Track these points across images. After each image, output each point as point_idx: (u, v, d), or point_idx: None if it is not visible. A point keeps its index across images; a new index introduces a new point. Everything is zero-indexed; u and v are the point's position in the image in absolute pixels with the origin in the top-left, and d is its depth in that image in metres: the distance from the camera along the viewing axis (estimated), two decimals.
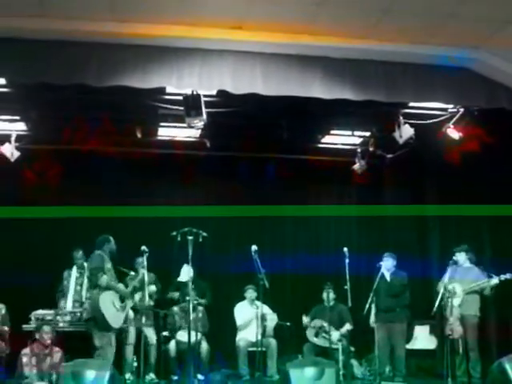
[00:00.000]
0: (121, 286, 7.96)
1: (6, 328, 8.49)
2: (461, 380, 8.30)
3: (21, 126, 8.99)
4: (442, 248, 10.33)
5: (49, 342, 7.88)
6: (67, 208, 9.87)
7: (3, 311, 8.56)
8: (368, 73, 7.31)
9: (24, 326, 8.58)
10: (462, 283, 8.57)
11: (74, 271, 9.34)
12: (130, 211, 10.12)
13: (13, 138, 8.92)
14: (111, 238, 8.02)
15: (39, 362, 7.82)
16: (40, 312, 8.69)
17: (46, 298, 9.17)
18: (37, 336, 8.00)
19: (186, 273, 8.79)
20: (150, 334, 8.93)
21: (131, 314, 8.57)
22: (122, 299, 7.87)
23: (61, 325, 8.52)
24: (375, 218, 11.13)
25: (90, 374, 6.37)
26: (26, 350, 7.93)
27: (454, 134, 8.48)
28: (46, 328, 7.95)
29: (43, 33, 6.55)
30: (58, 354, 7.90)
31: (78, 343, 8.00)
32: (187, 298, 8.24)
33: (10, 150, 8.86)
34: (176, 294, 9.52)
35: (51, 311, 8.74)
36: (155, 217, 10.24)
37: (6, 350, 8.32)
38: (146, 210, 10.24)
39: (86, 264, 9.00)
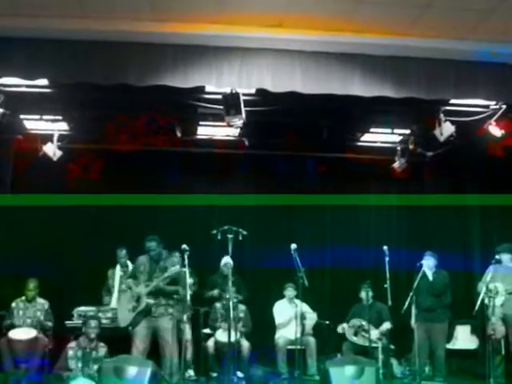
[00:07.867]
0: (141, 287, 7.80)
1: (50, 323, 8.64)
2: (499, 381, 8.11)
3: (63, 126, 9.11)
4: (484, 246, 10.23)
5: (94, 336, 8.00)
6: (107, 206, 9.97)
7: (46, 306, 8.71)
8: (408, 70, 7.21)
9: (67, 322, 8.73)
10: (504, 282, 8.44)
11: (118, 270, 9.44)
12: (168, 207, 10.23)
13: (55, 138, 9.07)
14: (150, 238, 7.95)
15: (84, 356, 7.94)
16: (82, 309, 8.82)
17: (89, 295, 9.33)
18: (83, 330, 8.12)
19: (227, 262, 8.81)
20: (187, 330, 8.95)
21: None
22: (137, 299, 7.82)
23: (103, 321, 8.59)
24: (416, 215, 11.06)
25: (132, 370, 6.47)
26: (73, 344, 8.06)
27: (495, 130, 8.31)
28: (93, 323, 8.06)
29: (84, 33, 6.61)
30: (102, 349, 8.00)
31: (120, 340, 8.08)
32: (227, 295, 8.26)
33: (53, 150, 9.01)
34: (216, 292, 9.52)
35: (93, 308, 8.85)
36: (194, 215, 10.33)
37: (49, 344, 8.44)
38: (186, 206, 10.30)
39: (129, 262, 9.15)
